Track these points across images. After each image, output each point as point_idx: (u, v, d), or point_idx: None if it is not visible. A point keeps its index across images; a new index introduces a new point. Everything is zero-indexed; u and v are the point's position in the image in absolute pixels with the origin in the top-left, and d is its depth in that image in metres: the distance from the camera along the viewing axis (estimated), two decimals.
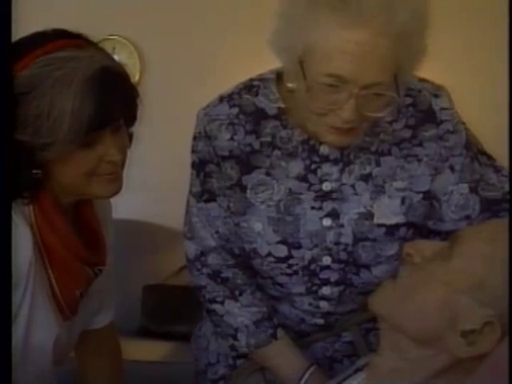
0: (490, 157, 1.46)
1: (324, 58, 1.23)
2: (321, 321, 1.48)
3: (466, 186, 1.41)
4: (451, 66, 3.16)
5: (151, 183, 3.28)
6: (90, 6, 3.24)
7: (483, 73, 3.24)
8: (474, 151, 1.43)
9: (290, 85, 1.35)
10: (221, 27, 3.26)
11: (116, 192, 1.32)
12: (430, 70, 1.46)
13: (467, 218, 1.42)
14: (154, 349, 2.81)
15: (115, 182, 1.31)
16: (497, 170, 1.45)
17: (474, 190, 1.42)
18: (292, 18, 1.26)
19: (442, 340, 1.10)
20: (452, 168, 1.41)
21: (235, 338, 1.47)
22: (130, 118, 1.32)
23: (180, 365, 2.33)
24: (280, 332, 1.46)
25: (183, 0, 3.30)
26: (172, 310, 2.96)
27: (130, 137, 1.33)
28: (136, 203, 3.11)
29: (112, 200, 1.43)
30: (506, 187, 1.43)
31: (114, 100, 1.24)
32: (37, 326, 1.31)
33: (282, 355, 1.45)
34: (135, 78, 3.29)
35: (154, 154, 3.19)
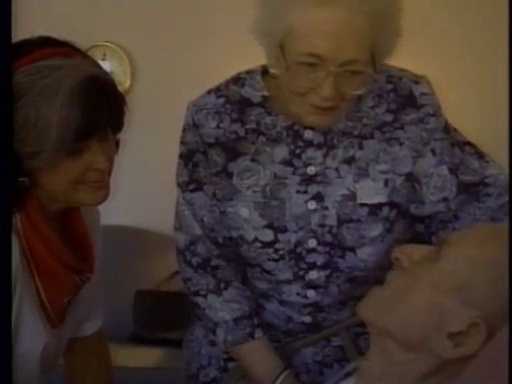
0: (472, 145, 1.49)
1: (302, 39, 1.28)
2: (308, 318, 1.50)
3: (444, 167, 1.44)
4: (450, 66, 3.17)
5: (142, 189, 3.27)
6: (81, 13, 3.24)
7: (483, 73, 3.24)
8: (456, 139, 1.46)
9: (272, 71, 1.39)
10: (212, 34, 3.26)
11: (103, 200, 1.32)
12: (428, 70, 1.49)
13: (445, 199, 1.45)
14: (146, 355, 2.80)
15: (102, 190, 1.31)
16: (480, 156, 1.48)
17: (453, 172, 1.45)
18: (271, 3, 1.31)
19: (428, 342, 1.11)
20: (433, 151, 1.44)
21: (214, 332, 1.49)
22: (117, 125, 1.32)
23: (172, 371, 2.32)
24: (258, 332, 1.48)
25: (175, 7, 3.30)
26: (164, 316, 2.95)
27: (117, 143, 1.34)
28: (127, 209, 3.12)
29: (103, 206, 1.41)
30: (487, 172, 1.46)
31: (100, 109, 1.24)
32: (24, 334, 1.31)
33: (257, 355, 1.47)
34: (126, 84, 3.28)
35: (145, 160, 3.20)
